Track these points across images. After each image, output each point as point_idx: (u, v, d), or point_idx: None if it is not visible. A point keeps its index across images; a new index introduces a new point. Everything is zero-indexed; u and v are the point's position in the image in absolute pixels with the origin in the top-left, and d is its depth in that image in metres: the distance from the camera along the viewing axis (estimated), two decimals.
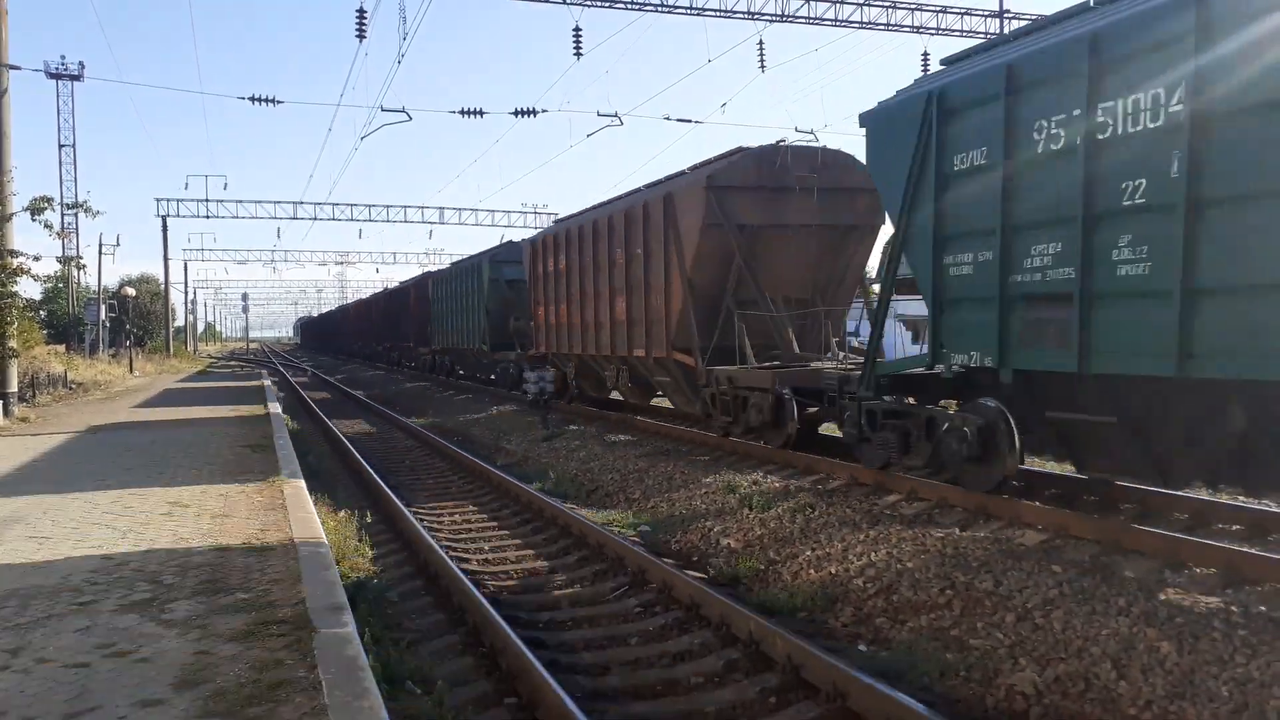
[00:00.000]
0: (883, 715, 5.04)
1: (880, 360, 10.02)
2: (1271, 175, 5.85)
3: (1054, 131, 7.36)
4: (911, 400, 9.66)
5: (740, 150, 14.00)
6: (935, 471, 9.14)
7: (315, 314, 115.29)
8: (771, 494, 10.14)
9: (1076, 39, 7.10)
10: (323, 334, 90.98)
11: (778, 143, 13.97)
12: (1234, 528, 7.69)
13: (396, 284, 47.53)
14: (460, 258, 34.59)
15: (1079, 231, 7.09)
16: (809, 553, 8.26)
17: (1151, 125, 6.57)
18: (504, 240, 31.06)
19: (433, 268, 52.24)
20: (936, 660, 6.01)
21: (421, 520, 10.53)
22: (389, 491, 11.82)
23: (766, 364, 13.19)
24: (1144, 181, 6.64)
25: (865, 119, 9.59)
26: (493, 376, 27.07)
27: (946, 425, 8.80)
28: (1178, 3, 6.35)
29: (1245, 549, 6.85)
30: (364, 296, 70.17)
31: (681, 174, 14.91)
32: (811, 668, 5.67)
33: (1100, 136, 6.93)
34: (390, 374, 43.06)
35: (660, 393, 17.22)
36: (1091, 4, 7.41)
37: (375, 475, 13.15)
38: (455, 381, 31.40)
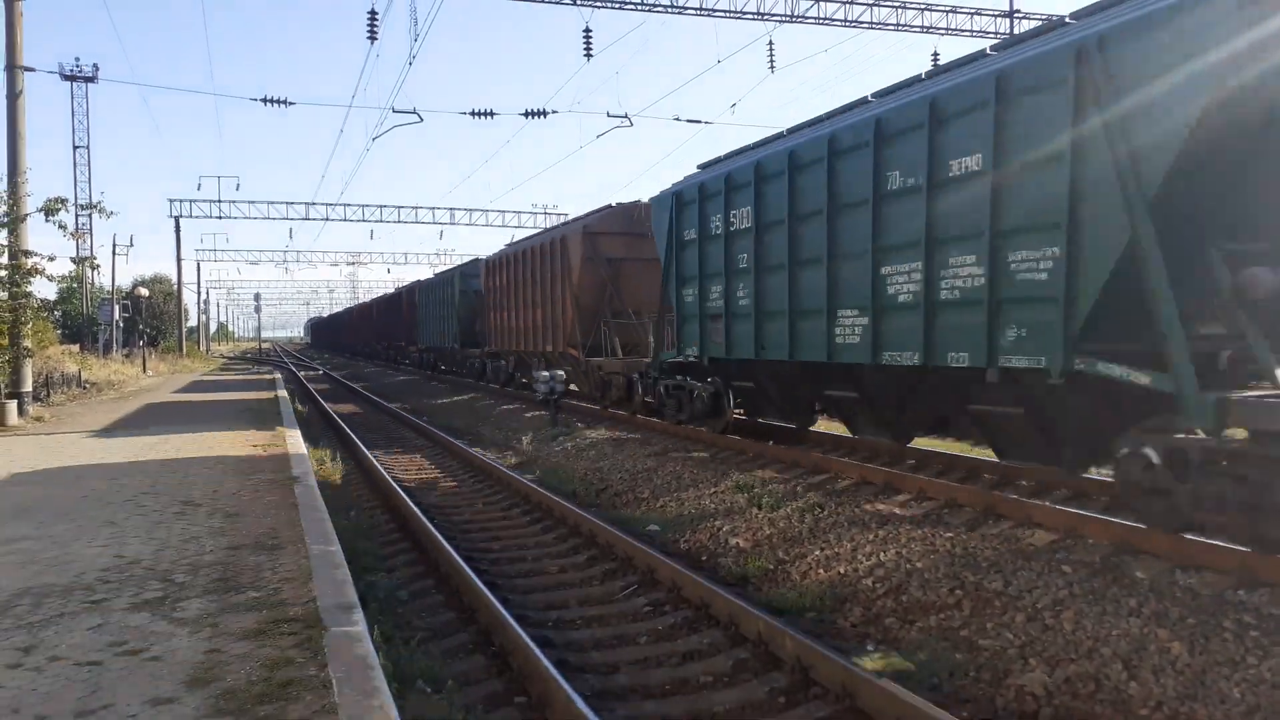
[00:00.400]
0: (893, 715, 5.03)
1: (664, 353, 15.41)
2: (776, 255, 11.70)
3: (710, 226, 13.26)
4: (681, 378, 14.89)
5: (608, 207, 20.18)
6: (692, 420, 14.68)
7: (325, 315, 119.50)
8: (780, 494, 10.14)
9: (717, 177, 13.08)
10: (330, 334, 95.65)
11: (638, 201, 19.58)
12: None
13: (393, 290, 52.86)
14: (467, 259, 36.45)
15: (723, 282, 12.86)
16: (818, 552, 8.26)
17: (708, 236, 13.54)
18: (515, 239, 31.61)
19: (442, 268, 52.69)
20: (946, 660, 6.00)
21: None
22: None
23: (623, 357, 19.05)
24: (746, 255, 12.34)
25: (651, 201, 15.20)
26: (464, 370, 33.16)
27: (695, 392, 14.48)
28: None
29: (1255, 551, 6.80)
30: (368, 299, 73.98)
31: (569, 222, 21.67)
32: (820, 667, 5.67)
33: (713, 235, 13.22)
34: (384, 369, 49.95)
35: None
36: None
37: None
38: (438, 375, 37.53)
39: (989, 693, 5.59)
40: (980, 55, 8.93)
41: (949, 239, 8.70)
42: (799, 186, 11.11)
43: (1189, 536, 6.90)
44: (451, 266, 33.77)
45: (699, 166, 14.18)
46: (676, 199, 14.07)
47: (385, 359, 53.24)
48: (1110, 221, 7.09)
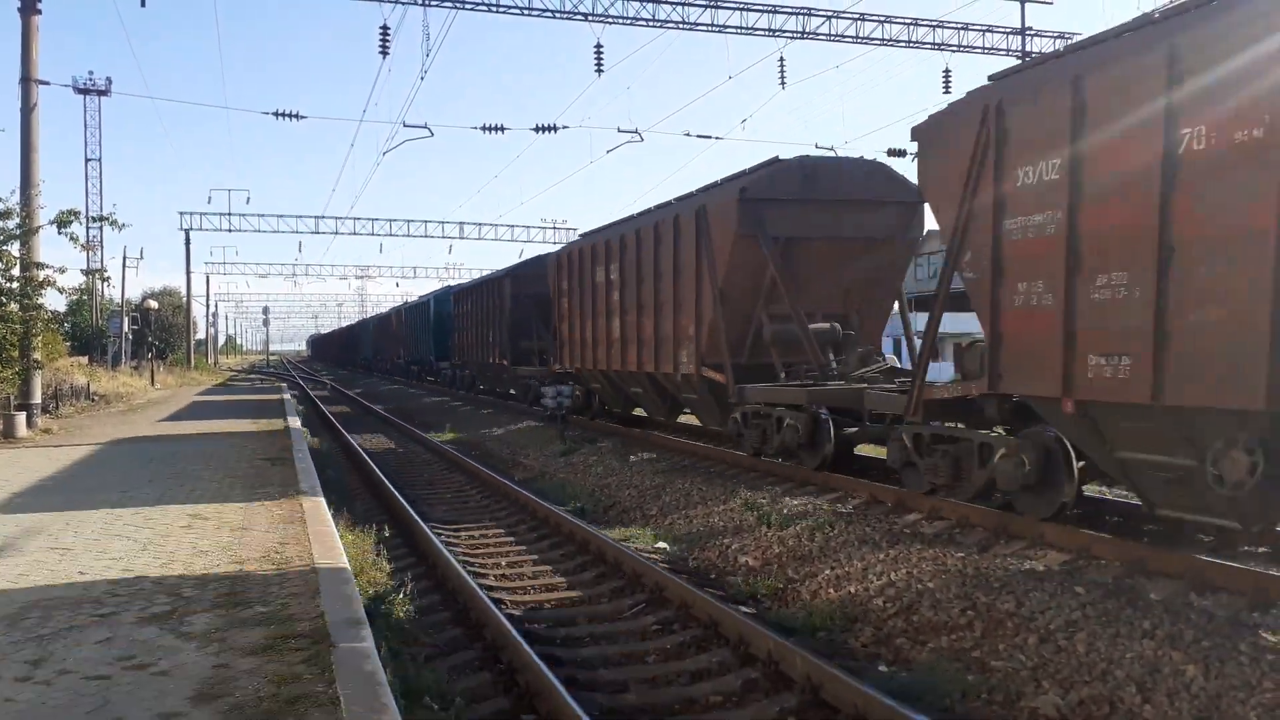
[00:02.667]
0: None
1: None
2: None
3: None
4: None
5: (775, 161, 13.71)
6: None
7: (324, 332, 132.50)
8: (790, 512, 10.09)
9: None
10: (326, 349, 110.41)
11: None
12: (1260, 550, 7.58)
13: (414, 299, 50.10)
14: (483, 273, 35.56)
15: None
16: (828, 571, 8.20)
17: None
18: (522, 255, 31.01)
19: (452, 282, 52.74)
20: (958, 682, 5.94)
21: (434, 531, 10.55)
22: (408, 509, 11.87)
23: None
24: None
25: (917, 131, 9.51)
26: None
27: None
28: None
29: (1273, 571, 6.73)
30: (370, 315, 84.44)
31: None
32: (831, 688, 5.62)
33: None
34: (377, 380, 52.27)
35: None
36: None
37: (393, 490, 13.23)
38: (476, 396, 31.55)
39: (1002, 715, 5.53)
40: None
41: None
42: None
43: (1202, 558, 6.85)
44: (500, 268, 28.12)
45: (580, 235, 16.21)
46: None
47: (379, 372, 59.93)
48: None
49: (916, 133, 9.50)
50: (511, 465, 17.05)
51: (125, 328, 47.10)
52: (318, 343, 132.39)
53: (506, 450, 18.64)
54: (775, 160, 13.73)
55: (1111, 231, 7.10)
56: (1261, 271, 5.99)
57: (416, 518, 10.98)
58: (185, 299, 61.81)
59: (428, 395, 36.73)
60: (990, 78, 8.77)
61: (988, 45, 28.33)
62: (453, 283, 50.94)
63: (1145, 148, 6.76)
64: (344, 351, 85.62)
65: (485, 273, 33.66)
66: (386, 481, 13.95)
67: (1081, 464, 8.14)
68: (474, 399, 31.11)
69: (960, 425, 9.46)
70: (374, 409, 31.32)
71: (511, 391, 27.37)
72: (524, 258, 28.33)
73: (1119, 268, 7.01)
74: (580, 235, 21.17)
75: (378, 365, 60.25)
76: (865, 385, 11.60)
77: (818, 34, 26.50)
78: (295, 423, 20.32)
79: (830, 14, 26.47)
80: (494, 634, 6.88)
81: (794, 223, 13.21)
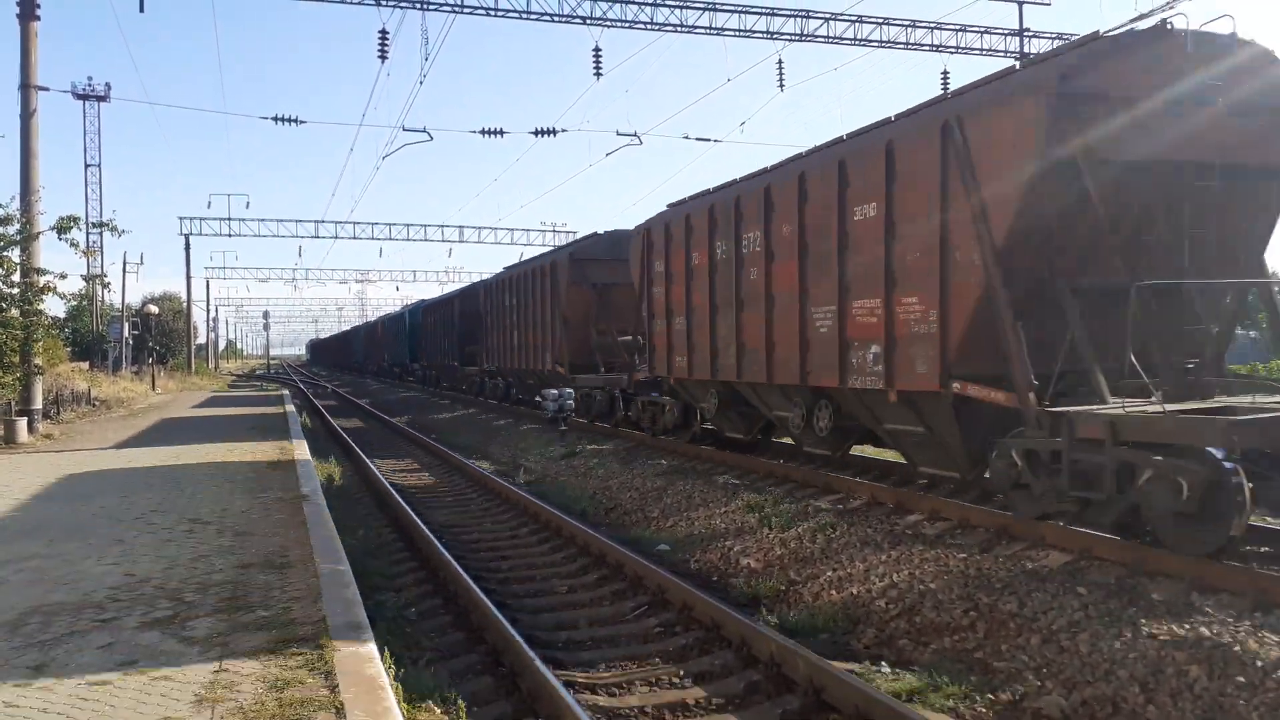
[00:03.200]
0: None
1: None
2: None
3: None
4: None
5: (594, 235, 21.12)
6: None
7: (321, 337, 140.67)
8: (792, 514, 10.09)
9: None
10: (324, 353, 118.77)
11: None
12: (1262, 549, 7.57)
13: (374, 317, 51.92)
14: (483, 276, 35.97)
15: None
16: (830, 573, 8.20)
17: None
18: (522, 257, 30.96)
19: (451, 286, 53.00)
20: (961, 683, 5.94)
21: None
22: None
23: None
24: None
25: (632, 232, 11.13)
26: (464, 387, 28.05)
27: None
28: None
29: (1275, 572, 6.73)
30: (348, 328, 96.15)
31: (559, 249, 20.09)
32: (834, 689, 5.62)
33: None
34: (359, 379, 61.56)
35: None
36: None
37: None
38: (405, 384, 38.60)
39: (1005, 716, 5.53)
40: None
41: None
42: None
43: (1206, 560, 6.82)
44: (548, 250, 29.14)
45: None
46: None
47: (364, 373, 68.01)
48: None
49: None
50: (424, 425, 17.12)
51: (126, 333, 47.09)
52: (316, 347, 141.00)
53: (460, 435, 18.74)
54: (594, 234, 21.34)
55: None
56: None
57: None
58: (185, 304, 61.83)
59: (404, 391, 43.56)
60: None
61: (985, 47, 28.35)
62: (451, 286, 52.76)
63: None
64: (339, 355, 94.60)
65: (485, 276, 34.55)
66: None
67: None
68: (439, 392, 37.47)
69: None
70: (358, 403, 36.06)
71: (464, 387, 33.79)
72: (522, 259, 28.42)
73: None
74: (503, 270, 26.96)
75: (366, 367, 67.87)
76: None
77: (816, 36, 26.52)
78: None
79: (828, 16, 26.51)
80: (494, 637, 6.87)
81: (606, 274, 20.22)
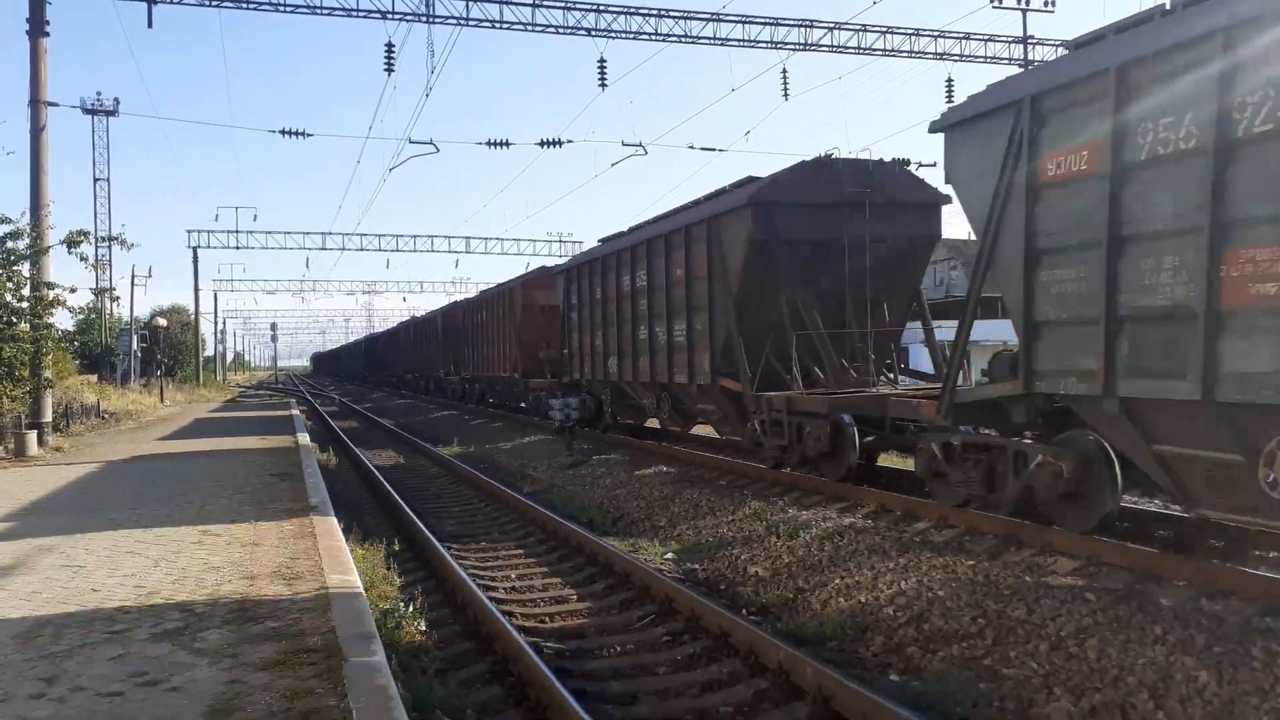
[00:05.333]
0: None
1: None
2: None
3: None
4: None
5: (542, 269, 21.85)
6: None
7: (325, 350, 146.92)
8: (799, 521, 10.08)
9: None
10: (327, 364, 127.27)
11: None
12: (1271, 554, 7.56)
13: (419, 314, 53.67)
14: (488, 285, 36.68)
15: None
16: (838, 580, 8.19)
17: None
18: (529, 268, 32.03)
19: (459, 296, 53.35)
20: (970, 690, 5.93)
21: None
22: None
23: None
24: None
25: (941, 126, 8.91)
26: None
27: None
28: None
29: None
30: (349, 342, 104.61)
31: (515, 279, 23.03)
32: (842, 697, 5.61)
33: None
34: (362, 389, 66.36)
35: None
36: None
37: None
38: (406, 392, 45.70)
39: None
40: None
41: None
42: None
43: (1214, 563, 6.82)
44: (506, 280, 31.97)
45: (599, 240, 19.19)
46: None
47: (365, 383, 74.98)
48: None
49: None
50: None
51: (134, 345, 47.27)
52: (319, 359, 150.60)
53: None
54: (542, 267, 26.02)
55: None
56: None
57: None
58: (193, 316, 62.04)
59: (389, 395, 53.60)
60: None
61: (990, 55, 28.38)
62: (458, 296, 54.44)
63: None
64: (338, 367, 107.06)
65: (488, 285, 36.30)
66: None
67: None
68: (419, 397, 46.17)
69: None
70: (358, 409, 38.68)
71: (448, 392, 40.30)
72: (530, 269, 28.85)
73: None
74: (594, 246, 23.22)
75: (364, 378, 77.74)
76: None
77: (820, 45, 26.58)
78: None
79: (832, 25, 26.55)
80: (503, 648, 6.88)
81: (551, 299, 23.64)
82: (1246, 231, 6.06)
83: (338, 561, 7.75)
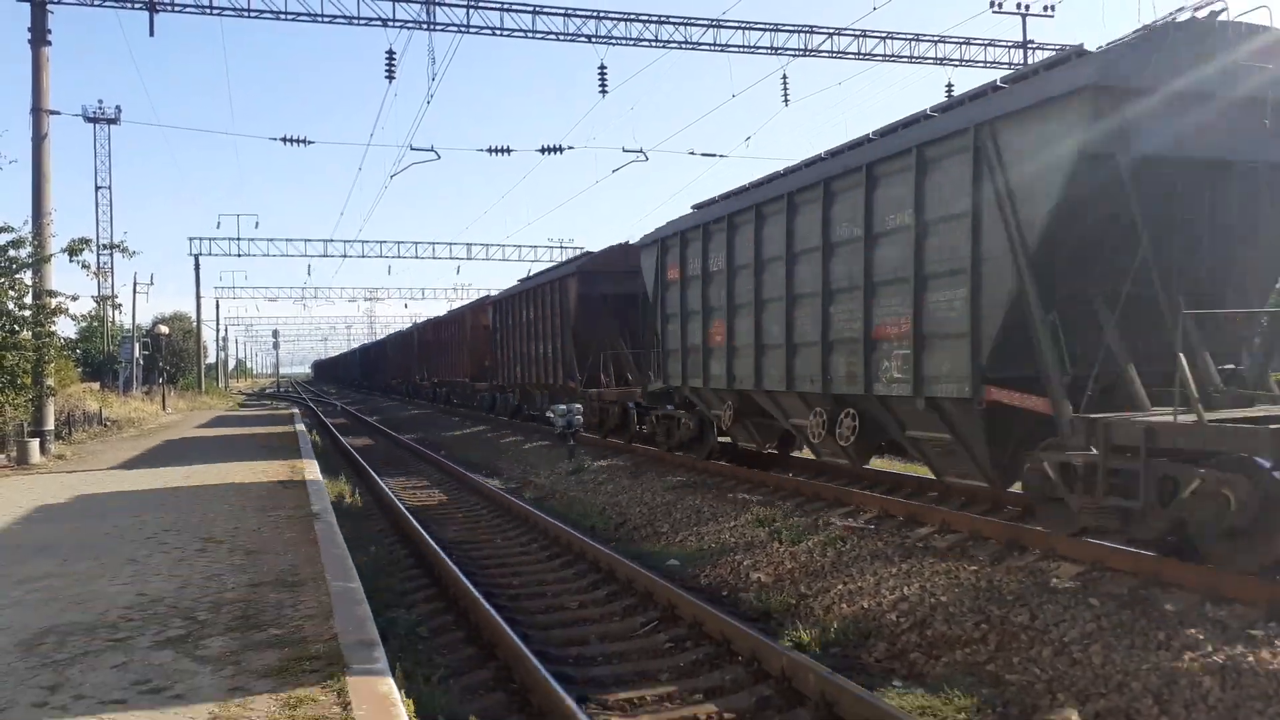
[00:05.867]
0: None
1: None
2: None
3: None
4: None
5: (588, 254, 23.90)
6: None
7: (325, 358, 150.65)
8: (802, 527, 10.07)
9: None
10: (327, 370, 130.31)
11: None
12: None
13: (436, 315, 51.90)
14: (491, 291, 36.58)
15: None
16: (841, 586, 8.18)
17: None
18: (530, 273, 31.27)
19: (459, 302, 53.59)
20: (973, 696, 5.92)
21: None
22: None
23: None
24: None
25: (639, 245, 17.03)
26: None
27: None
28: None
29: None
30: (349, 349, 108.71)
31: (566, 263, 25.00)
32: (845, 704, 5.60)
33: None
34: (368, 396, 68.08)
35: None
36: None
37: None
38: (402, 399, 49.84)
39: None
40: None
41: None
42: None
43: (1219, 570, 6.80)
44: (555, 264, 30.61)
45: (693, 207, 14.78)
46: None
47: (363, 389, 78.29)
48: None
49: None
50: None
51: (136, 353, 47.27)
52: (319, 366, 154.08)
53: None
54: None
55: None
56: None
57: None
58: (195, 324, 62.10)
59: (383, 399, 58.94)
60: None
61: (989, 59, 28.42)
62: (459, 303, 54.10)
63: None
64: (337, 374, 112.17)
65: (492, 293, 35.68)
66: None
67: None
68: (400, 401, 51.99)
69: None
70: (349, 409, 43.84)
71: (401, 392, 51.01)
72: (530, 274, 28.80)
73: None
74: (515, 284, 28.52)
75: (359, 384, 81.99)
76: None
77: (820, 51, 26.61)
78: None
79: (832, 31, 26.59)
80: (506, 653, 6.88)
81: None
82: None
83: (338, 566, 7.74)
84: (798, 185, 11.40)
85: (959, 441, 9.20)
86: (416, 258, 55.60)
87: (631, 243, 18.73)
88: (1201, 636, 5.91)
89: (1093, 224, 7.89)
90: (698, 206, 14.56)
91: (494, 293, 34.13)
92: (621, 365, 20.87)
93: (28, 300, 17.93)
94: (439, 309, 61.08)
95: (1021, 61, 28.09)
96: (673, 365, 15.12)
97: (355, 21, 23.13)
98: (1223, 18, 7.83)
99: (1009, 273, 8.06)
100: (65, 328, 21.09)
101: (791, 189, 11.52)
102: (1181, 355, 6.95)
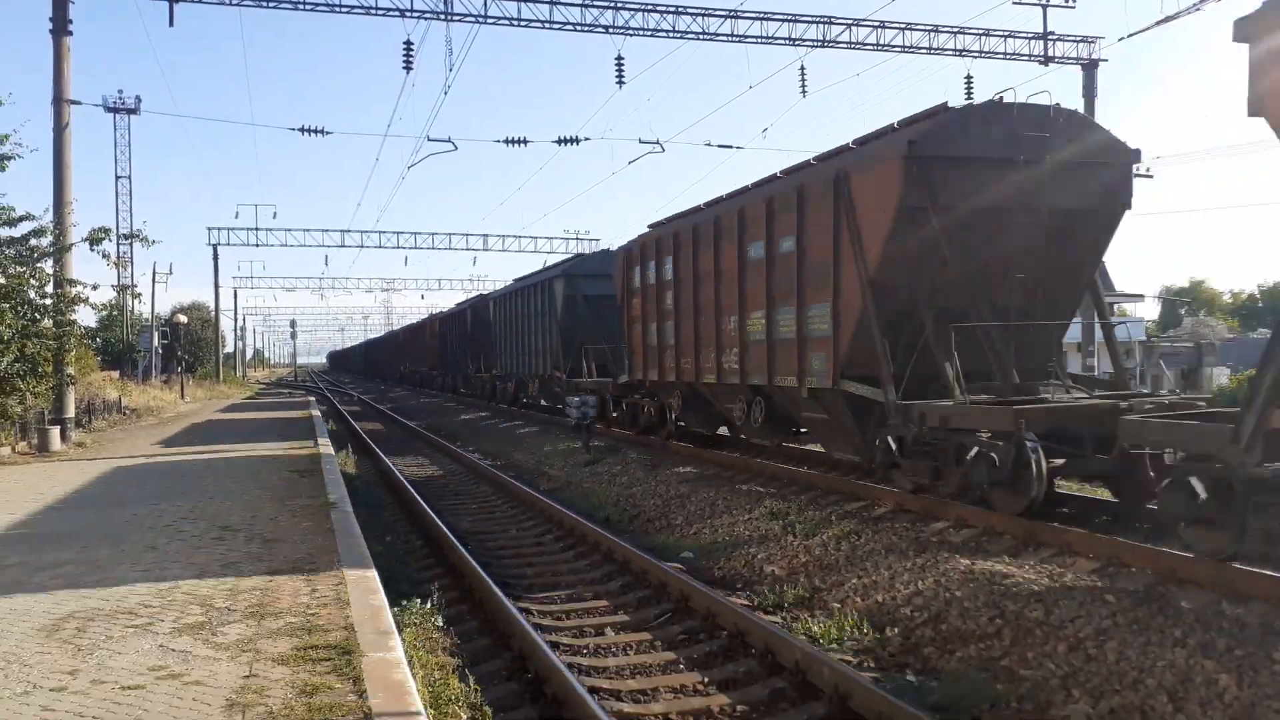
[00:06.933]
0: None
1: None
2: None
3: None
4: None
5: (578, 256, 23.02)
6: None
7: (340, 348, 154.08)
8: (816, 521, 10.07)
9: None
10: (342, 361, 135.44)
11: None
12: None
13: (449, 308, 52.85)
14: (505, 283, 36.41)
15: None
16: (855, 580, 8.18)
17: None
18: (545, 264, 31.89)
19: (475, 293, 53.80)
20: (987, 691, 5.91)
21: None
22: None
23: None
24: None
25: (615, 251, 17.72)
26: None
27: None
28: None
29: None
30: (359, 342, 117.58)
31: (552, 267, 25.00)
32: (859, 697, 5.61)
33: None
34: (380, 385, 70.54)
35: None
36: None
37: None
38: (409, 388, 52.98)
39: None
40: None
41: None
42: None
43: (1236, 565, 6.76)
44: (545, 267, 30.98)
45: (649, 226, 17.41)
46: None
47: (372, 378, 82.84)
48: None
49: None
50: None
51: (155, 342, 47.63)
52: (334, 357, 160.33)
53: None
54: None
55: None
56: None
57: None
58: (214, 313, 62.48)
59: (393, 388, 62.36)
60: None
61: (1009, 51, 28.17)
62: (475, 294, 54.12)
63: None
64: (349, 364, 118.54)
65: (506, 282, 36.05)
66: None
67: None
68: (405, 389, 56.59)
69: None
70: (376, 406, 34.51)
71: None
72: (542, 267, 29.17)
73: None
74: (649, 226, 23.85)
75: (365, 373, 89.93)
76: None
77: (838, 42, 26.44)
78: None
79: (850, 22, 26.41)
80: (520, 644, 6.91)
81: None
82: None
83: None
84: (723, 212, 14.05)
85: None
86: (433, 248, 55.77)
87: (612, 249, 20.81)
88: (1218, 634, 5.87)
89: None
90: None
91: (493, 291, 36.51)
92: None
93: (49, 289, 18.08)
94: (455, 300, 61.48)
95: (1043, 54, 27.86)
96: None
97: (373, 12, 23.15)
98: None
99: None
100: (85, 317, 21.23)
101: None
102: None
